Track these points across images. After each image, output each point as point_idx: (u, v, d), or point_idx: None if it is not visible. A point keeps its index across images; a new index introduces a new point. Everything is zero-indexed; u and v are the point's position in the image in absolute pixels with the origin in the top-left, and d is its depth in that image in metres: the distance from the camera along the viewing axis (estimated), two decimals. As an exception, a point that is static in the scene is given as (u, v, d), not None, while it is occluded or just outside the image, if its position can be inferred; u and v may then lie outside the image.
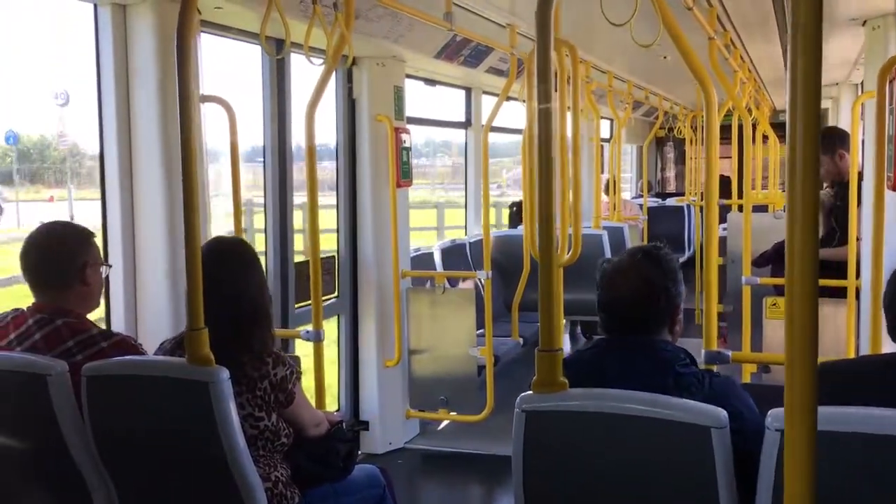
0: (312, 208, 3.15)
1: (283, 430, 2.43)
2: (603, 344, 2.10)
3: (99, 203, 3.22)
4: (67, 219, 5.50)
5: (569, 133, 3.81)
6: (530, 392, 1.85)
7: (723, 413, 1.71)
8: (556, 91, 4.49)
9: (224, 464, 2.15)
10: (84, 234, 2.59)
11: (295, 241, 4.26)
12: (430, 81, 5.63)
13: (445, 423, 5.15)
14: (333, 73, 4.54)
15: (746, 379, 4.12)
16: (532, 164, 3.75)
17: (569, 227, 3.55)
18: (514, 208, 7.79)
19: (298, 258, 4.26)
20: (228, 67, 4.47)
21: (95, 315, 2.69)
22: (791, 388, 1.06)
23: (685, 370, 1.95)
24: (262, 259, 4.16)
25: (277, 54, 3.50)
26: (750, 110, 6.00)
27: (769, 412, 1.64)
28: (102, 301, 2.83)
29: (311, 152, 3.13)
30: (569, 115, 3.65)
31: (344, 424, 2.69)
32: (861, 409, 1.59)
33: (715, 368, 2.62)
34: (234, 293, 2.40)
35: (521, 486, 1.89)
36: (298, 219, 4.32)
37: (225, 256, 2.48)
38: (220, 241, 2.59)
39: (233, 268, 2.45)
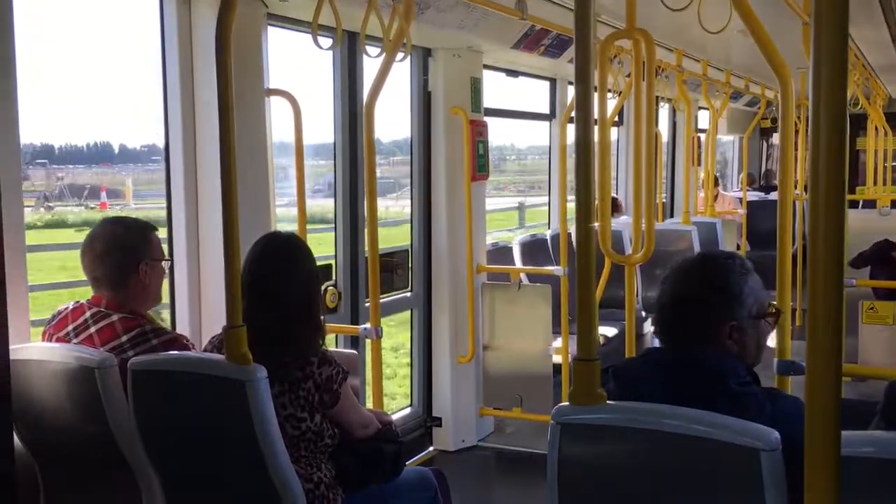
0: (371, 203, 3.10)
1: (328, 432, 2.37)
2: (651, 354, 1.97)
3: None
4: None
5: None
6: (566, 403, 1.74)
7: (774, 434, 1.54)
8: (632, 80, 4.30)
9: (262, 463, 2.12)
10: (143, 232, 2.58)
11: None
12: (513, 72, 5.50)
13: (520, 421, 5.04)
14: (408, 65, 4.50)
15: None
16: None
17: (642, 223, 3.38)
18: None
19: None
20: (304, 62, 4.48)
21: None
22: (812, 404, 0.94)
23: (744, 389, 1.77)
24: (332, 254, 4.16)
25: (337, 46, 3.45)
26: (855, 101, 5.61)
27: None
28: (168, 298, 2.84)
29: (371, 147, 3.08)
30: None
31: (393, 425, 2.63)
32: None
33: (789, 383, 2.43)
34: (280, 290, 2.36)
35: (557, 500, 1.78)
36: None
37: (274, 253, 2.44)
38: (269, 237, 2.55)
39: (280, 265, 2.41)
